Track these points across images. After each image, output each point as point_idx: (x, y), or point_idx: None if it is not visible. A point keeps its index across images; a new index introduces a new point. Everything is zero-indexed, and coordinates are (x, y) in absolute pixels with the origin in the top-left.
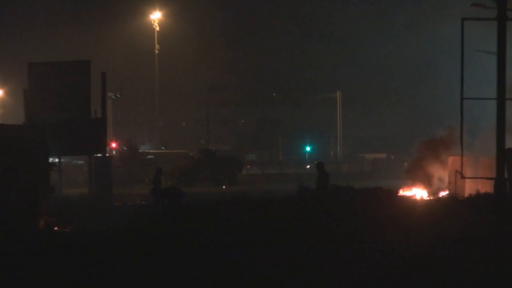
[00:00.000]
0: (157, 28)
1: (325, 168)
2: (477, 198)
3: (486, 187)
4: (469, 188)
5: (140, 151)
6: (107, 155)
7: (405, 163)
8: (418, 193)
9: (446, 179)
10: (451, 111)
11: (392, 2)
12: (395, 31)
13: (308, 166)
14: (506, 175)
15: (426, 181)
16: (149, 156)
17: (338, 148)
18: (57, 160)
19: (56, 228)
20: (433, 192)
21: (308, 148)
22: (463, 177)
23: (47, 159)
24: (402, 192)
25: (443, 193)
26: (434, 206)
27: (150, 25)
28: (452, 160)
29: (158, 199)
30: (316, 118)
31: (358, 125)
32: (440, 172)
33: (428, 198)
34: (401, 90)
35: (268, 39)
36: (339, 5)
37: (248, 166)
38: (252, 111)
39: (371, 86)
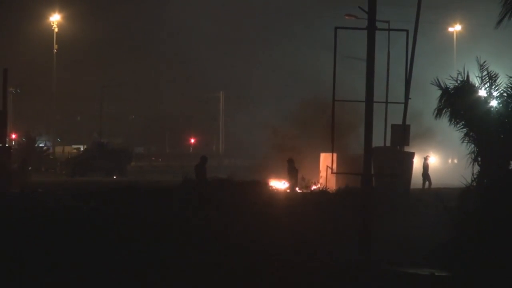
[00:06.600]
0: (56, 29)
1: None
2: (345, 191)
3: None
4: (339, 182)
5: None
6: (7, 145)
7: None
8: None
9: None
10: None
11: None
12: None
13: None
14: (372, 171)
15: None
16: (44, 147)
17: (220, 144)
18: None
19: None
20: (305, 185)
21: (192, 140)
22: (333, 172)
23: None
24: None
25: (314, 187)
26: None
27: (50, 26)
28: (324, 157)
29: None
30: (201, 115)
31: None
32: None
33: (300, 191)
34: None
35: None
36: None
37: (153, 158)
38: (142, 107)
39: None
